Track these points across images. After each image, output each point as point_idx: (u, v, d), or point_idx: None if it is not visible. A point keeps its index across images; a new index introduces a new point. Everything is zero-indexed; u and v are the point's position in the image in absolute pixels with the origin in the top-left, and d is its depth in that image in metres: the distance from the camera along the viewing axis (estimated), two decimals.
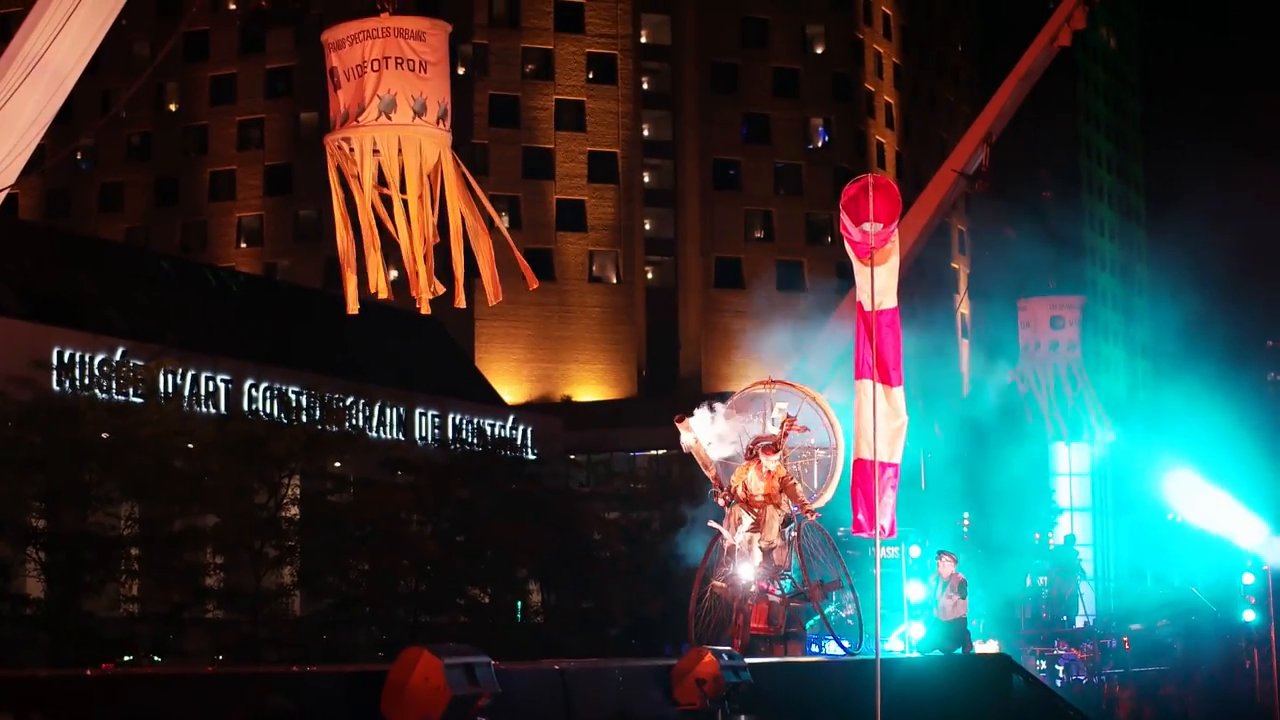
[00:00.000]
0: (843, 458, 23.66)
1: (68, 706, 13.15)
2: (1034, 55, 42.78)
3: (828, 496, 24.19)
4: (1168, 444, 62.03)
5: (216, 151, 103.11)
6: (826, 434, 24.24)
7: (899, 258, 21.45)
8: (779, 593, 23.15)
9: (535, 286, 19.31)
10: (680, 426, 23.23)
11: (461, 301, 18.23)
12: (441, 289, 17.96)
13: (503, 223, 19.28)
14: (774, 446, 23.08)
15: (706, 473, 23.56)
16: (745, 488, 22.86)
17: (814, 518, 23.35)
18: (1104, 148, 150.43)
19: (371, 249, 17.95)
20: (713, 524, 23.23)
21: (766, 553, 22.87)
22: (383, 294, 17.92)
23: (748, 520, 22.80)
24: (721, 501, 23.00)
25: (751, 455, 23.13)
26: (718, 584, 23.03)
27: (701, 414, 23.58)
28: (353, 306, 18.18)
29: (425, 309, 18.06)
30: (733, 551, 22.85)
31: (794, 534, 23.19)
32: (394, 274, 17.95)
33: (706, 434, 23.52)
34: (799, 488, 23.26)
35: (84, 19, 18.31)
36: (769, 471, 22.88)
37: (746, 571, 22.78)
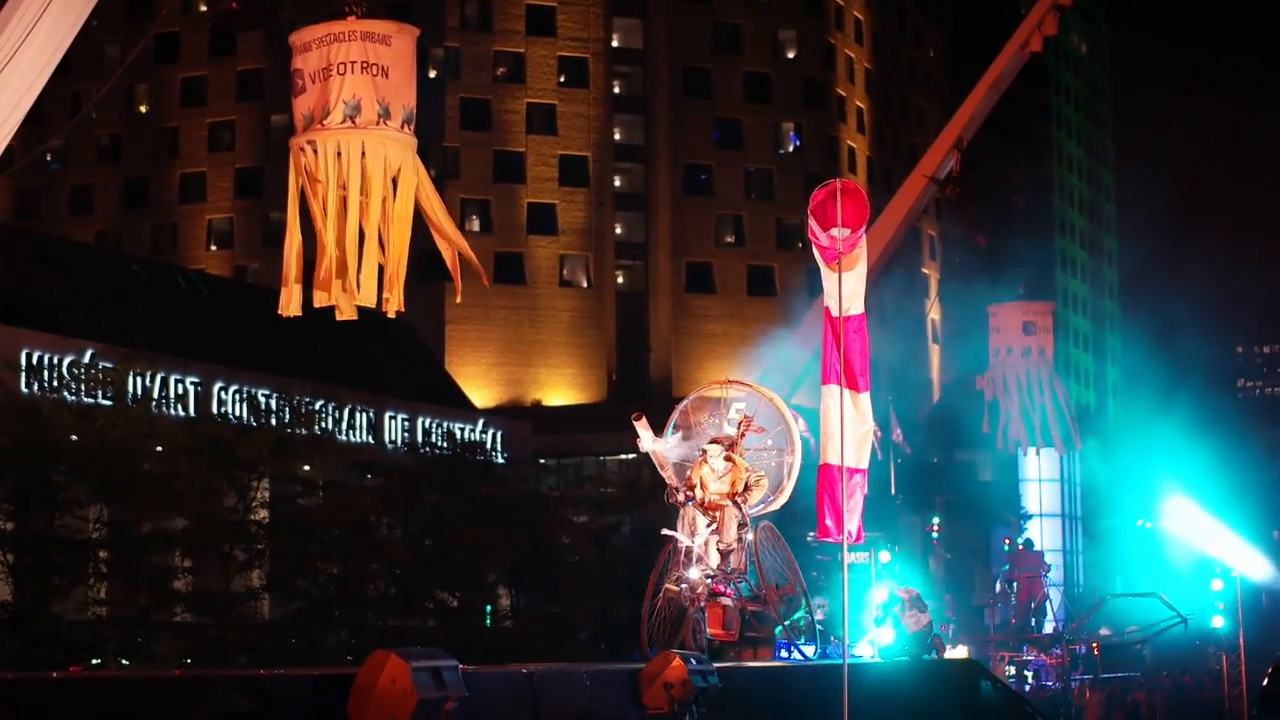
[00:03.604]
0: (799, 459, 23.52)
1: (34, 709, 13.12)
2: (1005, 61, 42.81)
3: (784, 498, 23.99)
4: (1138, 451, 62.17)
5: (187, 153, 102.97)
6: (784, 435, 24.07)
7: (867, 263, 21.42)
8: (735, 595, 22.95)
9: (487, 284, 19.07)
10: (638, 425, 22.96)
11: (400, 306, 17.99)
12: (372, 295, 17.68)
13: (460, 234, 19.13)
14: (729, 446, 22.83)
15: (662, 473, 23.35)
16: (703, 487, 22.57)
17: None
18: (1075, 153, 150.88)
19: (349, 256, 17.77)
20: (666, 531, 22.98)
21: (725, 555, 22.64)
22: (369, 302, 17.73)
23: (704, 521, 22.56)
24: (679, 499, 22.70)
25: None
26: (670, 587, 22.78)
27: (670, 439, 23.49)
28: (284, 309, 17.89)
29: (391, 312, 17.94)
30: (688, 554, 22.59)
31: (750, 537, 23.00)
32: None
33: (667, 441, 23.37)
34: (754, 493, 22.98)
35: (55, 19, 18.23)
36: (728, 464, 22.59)
37: (697, 575, 22.48)
